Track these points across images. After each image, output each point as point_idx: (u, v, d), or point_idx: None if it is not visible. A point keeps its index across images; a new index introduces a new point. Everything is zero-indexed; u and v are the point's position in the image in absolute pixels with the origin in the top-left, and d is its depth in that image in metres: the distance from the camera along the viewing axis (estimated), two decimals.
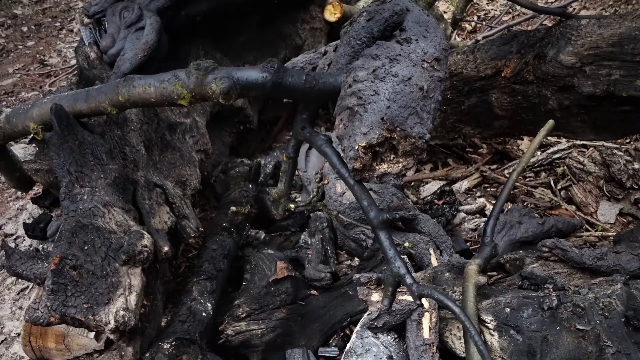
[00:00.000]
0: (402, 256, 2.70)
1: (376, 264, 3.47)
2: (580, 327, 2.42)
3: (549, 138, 4.70)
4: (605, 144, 4.54)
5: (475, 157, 4.81)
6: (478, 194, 4.41)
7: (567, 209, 4.13)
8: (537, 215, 3.87)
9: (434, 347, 2.73)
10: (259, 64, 2.57)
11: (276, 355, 3.08)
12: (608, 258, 2.88)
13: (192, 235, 3.35)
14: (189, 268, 3.77)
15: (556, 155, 4.59)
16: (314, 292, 3.37)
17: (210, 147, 4.05)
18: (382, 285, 2.74)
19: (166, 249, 2.91)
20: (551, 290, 2.81)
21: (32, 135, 3.15)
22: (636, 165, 4.11)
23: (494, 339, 2.62)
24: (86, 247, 2.60)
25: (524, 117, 3.76)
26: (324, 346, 3.23)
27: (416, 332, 2.76)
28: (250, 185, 4.11)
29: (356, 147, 2.25)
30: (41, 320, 2.49)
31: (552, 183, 4.41)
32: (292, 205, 3.60)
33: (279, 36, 5.05)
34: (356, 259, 3.88)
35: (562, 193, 4.32)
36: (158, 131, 3.61)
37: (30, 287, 3.93)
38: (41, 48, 7.56)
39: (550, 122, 3.27)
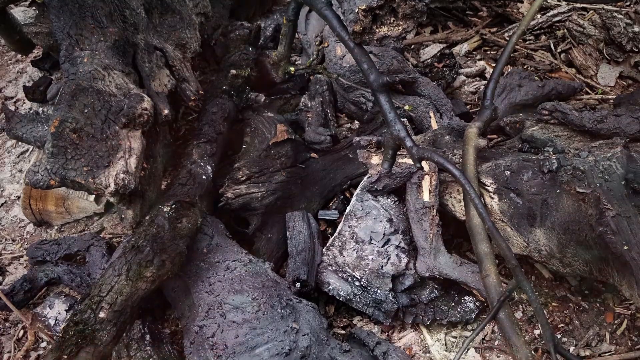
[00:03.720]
0: (402, 119, 2.63)
1: (376, 126, 3.40)
2: (580, 190, 2.36)
3: (549, 0, 4.53)
4: (605, 6, 4.35)
5: (476, 20, 4.64)
6: (478, 56, 4.30)
7: (567, 72, 4.03)
8: (537, 78, 3.77)
9: (434, 210, 2.69)
10: None
11: (276, 218, 3.05)
12: (608, 121, 2.80)
13: (192, 98, 3.26)
14: (189, 131, 3.71)
15: (556, 18, 4.43)
16: (313, 154, 3.31)
17: (210, 9, 3.89)
18: (382, 148, 2.68)
19: (166, 111, 2.83)
20: (551, 153, 2.75)
21: None
22: (636, 28, 3.98)
23: (493, 202, 2.57)
24: (86, 110, 2.52)
25: None
26: (323, 209, 3.21)
27: (416, 195, 2.72)
28: (250, 48, 3.97)
29: (356, 10, 2.20)
30: (41, 183, 2.42)
31: (552, 46, 4.28)
32: (292, 68, 3.56)
33: None
34: (356, 121, 3.81)
35: (562, 56, 4.20)
36: None
37: (30, 150, 3.87)
38: None
39: None
